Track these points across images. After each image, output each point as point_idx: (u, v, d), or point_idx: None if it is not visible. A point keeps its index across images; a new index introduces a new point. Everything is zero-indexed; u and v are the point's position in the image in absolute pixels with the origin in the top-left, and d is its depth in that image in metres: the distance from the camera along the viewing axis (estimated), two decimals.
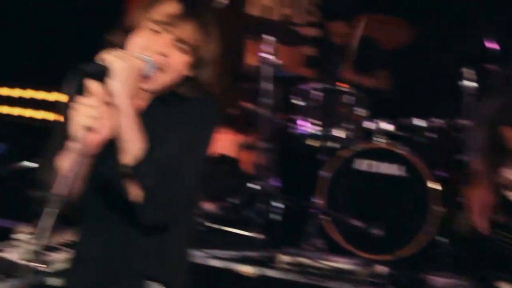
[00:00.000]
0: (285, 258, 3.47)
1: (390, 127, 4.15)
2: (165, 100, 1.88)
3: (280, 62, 4.73)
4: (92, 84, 1.62)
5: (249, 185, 4.48)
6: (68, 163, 1.60)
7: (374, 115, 4.23)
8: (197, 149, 1.86)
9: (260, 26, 4.84)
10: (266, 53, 4.33)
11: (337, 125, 4.15)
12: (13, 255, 2.13)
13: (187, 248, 2.04)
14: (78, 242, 1.98)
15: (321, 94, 4.17)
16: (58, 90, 5.69)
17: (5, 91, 6.23)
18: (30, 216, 4.01)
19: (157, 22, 1.78)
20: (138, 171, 1.68)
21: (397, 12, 5.53)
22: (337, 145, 4.25)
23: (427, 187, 3.94)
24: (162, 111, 1.88)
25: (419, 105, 4.84)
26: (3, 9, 6.18)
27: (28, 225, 2.78)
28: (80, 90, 1.63)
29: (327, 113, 4.18)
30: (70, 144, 1.60)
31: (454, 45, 4.69)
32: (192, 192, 1.88)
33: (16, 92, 6.10)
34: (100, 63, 1.62)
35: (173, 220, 1.85)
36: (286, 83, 4.84)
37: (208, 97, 1.92)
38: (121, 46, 1.80)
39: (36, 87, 6.03)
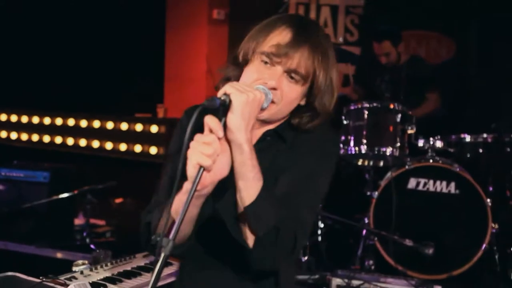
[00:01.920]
0: (338, 281, 3.41)
1: (439, 144, 4.07)
2: (279, 133, 1.76)
3: None
4: (211, 120, 1.49)
5: None
6: (179, 204, 1.46)
7: (422, 133, 4.15)
8: (315, 186, 1.70)
9: None
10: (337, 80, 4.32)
11: (386, 144, 4.08)
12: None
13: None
14: (180, 280, 1.89)
15: (370, 113, 4.12)
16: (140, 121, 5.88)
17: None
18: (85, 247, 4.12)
19: (268, 54, 1.65)
20: (255, 212, 1.54)
21: (439, 27, 5.49)
22: (386, 164, 4.20)
23: (480, 204, 3.85)
24: (277, 145, 1.76)
25: (468, 121, 4.78)
26: (48, 38, 6.37)
27: (86, 257, 2.81)
28: (198, 127, 1.48)
29: (375, 132, 4.13)
30: (185, 184, 1.50)
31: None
32: (308, 232, 1.72)
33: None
34: (221, 97, 1.50)
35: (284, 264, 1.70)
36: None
37: (327, 130, 1.78)
38: (235, 79, 1.71)
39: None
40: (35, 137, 6.52)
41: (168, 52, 6.36)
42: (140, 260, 2.60)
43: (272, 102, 1.66)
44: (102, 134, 6.15)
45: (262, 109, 1.63)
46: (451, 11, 5.40)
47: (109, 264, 2.57)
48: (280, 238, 1.56)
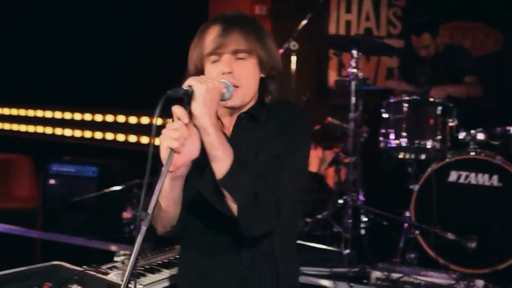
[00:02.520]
0: (378, 274, 3.43)
1: (481, 136, 4.00)
2: (251, 113, 1.97)
3: (365, 75, 4.73)
4: (177, 109, 1.71)
5: (338, 200, 4.49)
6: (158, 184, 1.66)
7: (464, 125, 4.10)
8: (291, 154, 1.89)
9: (343, 41, 4.85)
10: (351, 67, 4.33)
11: (427, 137, 4.05)
12: (116, 277, 2.23)
13: (294, 265, 2.07)
14: (181, 261, 2.07)
15: (409, 106, 4.10)
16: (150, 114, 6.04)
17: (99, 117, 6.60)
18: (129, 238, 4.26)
19: (210, 52, 1.89)
20: (229, 183, 1.72)
21: (484, 18, 5.39)
22: (428, 157, 4.16)
23: None
24: (252, 126, 1.96)
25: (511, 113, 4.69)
26: (97, 38, 6.57)
27: (126, 246, 2.93)
28: (167, 114, 1.71)
29: (416, 125, 4.10)
30: (163, 168, 1.67)
31: None
32: (289, 198, 1.86)
33: (109, 118, 6.45)
34: (185, 88, 1.72)
35: (273, 229, 1.85)
36: (374, 96, 4.83)
37: (295, 108, 2.02)
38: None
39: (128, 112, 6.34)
40: (87, 134, 6.75)
41: None
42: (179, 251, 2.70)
43: (236, 87, 1.87)
44: (151, 130, 6.28)
45: (228, 99, 1.85)
46: (498, 1, 5.29)
47: (149, 254, 2.69)
48: (260, 203, 1.74)
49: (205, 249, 1.95)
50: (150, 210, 1.59)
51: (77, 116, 6.81)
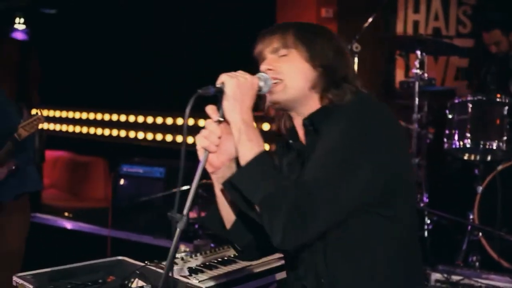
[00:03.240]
0: (438, 276, 3.40)
1: None
2: (312, 120, 1.76)
3: (432, 76, 4.68)
4: (208, 108, 1.68)
5: None
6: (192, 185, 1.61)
7: None
8: (335, 161, 1.60)
9: (411, 41, 4.81)
10: (417, 68, 4.31)
11: (493, 137, 3.97)
12: (175, 272, 2.33)
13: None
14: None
15: (474, 106, 4.03)
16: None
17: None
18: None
19: (256, 55, 1.83)
20: (244, 178, 1.61)
21: None
22: (494, 158, 4.09)
23: None
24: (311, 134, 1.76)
25: None
26: (130, 40, 6.75)
27: (188, 245, 3.04)
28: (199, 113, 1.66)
29: (480, 126, 4.03)
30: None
31: None
32: (329, 210, 1.55)
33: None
34: (217, 85, 1.66)
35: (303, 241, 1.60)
36: (439, 97, 4.76)
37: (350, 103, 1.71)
38: None
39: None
40: (159, 136, 6.98)
41: None
42: None
43: (278, 80, 1.74)
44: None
45: (267, 92, 1.73)
46: None
47: (208, 252, 2.78)
48: (277, 206, 1.53)
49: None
50: (185, 212, 1.58)
51: (149, 120, 7.06)
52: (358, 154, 1.59)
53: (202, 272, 2.50)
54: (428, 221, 4.39)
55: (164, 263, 2.50)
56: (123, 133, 7.24)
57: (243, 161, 1.62)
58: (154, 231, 4.42)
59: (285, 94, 1.75)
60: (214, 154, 1.68)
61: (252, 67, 1.86)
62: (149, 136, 7.05)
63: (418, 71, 4.32)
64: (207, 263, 2.60)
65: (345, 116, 1.66)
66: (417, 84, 4.32)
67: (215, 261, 2.65)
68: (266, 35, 1.82)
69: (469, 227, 4.00)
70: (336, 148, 1.61)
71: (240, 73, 1.69)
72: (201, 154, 1.67)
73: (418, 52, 4.32)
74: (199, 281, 2.37)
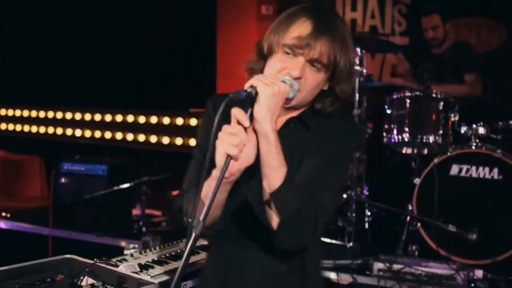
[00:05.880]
0: (380, 265, 3.51)
1: (482, 130, 4.07)
2: (302, 119, 1.84)
3: (370, 72, 4.81)
4: (237, 112, 1.57)
5: (343, 195, 4.57)
6: (208, 190, 1.54)
7: (466, 119, 4.17)
8: (336, 172, 1.79)
9: None
10: (357, 64, 4.42)
11: (429, 132, 4.12)
12: (126, 269, 2.31)
13: (318, 260, 2.03)
14: (209, 264, 1.99)
15: (412, 101, 4.17)
16: (194, 116, 6.12)
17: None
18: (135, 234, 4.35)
19: (290, 46, 1.71)
20: (279, 198, 1.62)
21: (490, 14, 5.42)
22: (430, 152, 4.24)
23: None
24: (300, 131, 1.84)
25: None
26: (101, 37, 6.66)
27: (135, 242, 3.02)
28: (225, 118, 1.55)
29: (418, 121, 4.17)
30: (214, 171, 1.57)
31: None
32: (330, 216, 1.85)
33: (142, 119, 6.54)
34: (247, 90, 1.58)
35: (307, 246, 1.77)
36: (378, 92, 4.90)
37: (348, 119, 1.91)
38: (259, 71, 1.79)
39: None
40: (97, 134, 6.86)
41: (220, 48, 6.53)
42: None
43: (298, 90, 1.72)
44: (159, 129, 6.42)
45: (289, 99, 1.71)
46: None
47: (157, 248, 2.78)
48: (303, 221, 1.64)
49: (236, 252, 1.87)
50: (202, 218, 1.47)
51: (87, 117, 6.92)
52: (344, 173, 1.95)
53: (152, 268, 2.50)
54: (369, 213, 4.53)
55: (114, 259, 2.49)
56: (59, 131, 7.07)
57: (274, 174, 1.62)
58: (97, 229, 4.36)
59: (296, 101, 1.77)
60: (234, 160, 1.58)
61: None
62: (87, 133, 6.92)
63: (358, 67, 4.43)
64: (157, 259, 2.60)
65: (345, 133, 1.84)
66: (357, 80, 4.43)
67: (165, 256, 2.66)
68: (318, 34, 1.72)
69: (408, 218, 4.14)
70: (334, 168, 1.80)
71: (273, 79, 1.63)
72: (221, 159, 1.55)
73: (358, 49, 4.43)
74: (151, 277, 2.37)
